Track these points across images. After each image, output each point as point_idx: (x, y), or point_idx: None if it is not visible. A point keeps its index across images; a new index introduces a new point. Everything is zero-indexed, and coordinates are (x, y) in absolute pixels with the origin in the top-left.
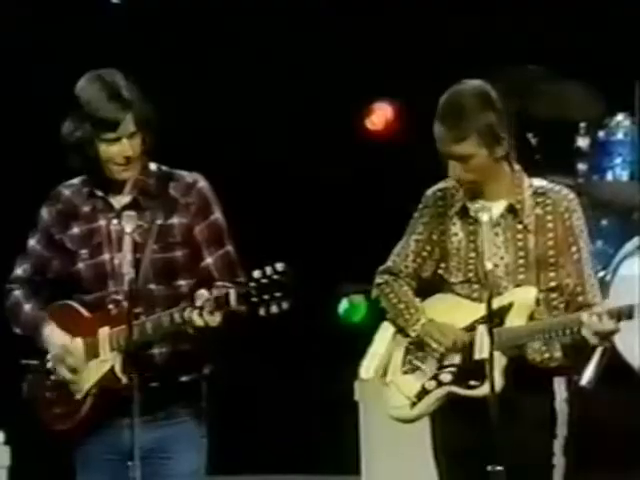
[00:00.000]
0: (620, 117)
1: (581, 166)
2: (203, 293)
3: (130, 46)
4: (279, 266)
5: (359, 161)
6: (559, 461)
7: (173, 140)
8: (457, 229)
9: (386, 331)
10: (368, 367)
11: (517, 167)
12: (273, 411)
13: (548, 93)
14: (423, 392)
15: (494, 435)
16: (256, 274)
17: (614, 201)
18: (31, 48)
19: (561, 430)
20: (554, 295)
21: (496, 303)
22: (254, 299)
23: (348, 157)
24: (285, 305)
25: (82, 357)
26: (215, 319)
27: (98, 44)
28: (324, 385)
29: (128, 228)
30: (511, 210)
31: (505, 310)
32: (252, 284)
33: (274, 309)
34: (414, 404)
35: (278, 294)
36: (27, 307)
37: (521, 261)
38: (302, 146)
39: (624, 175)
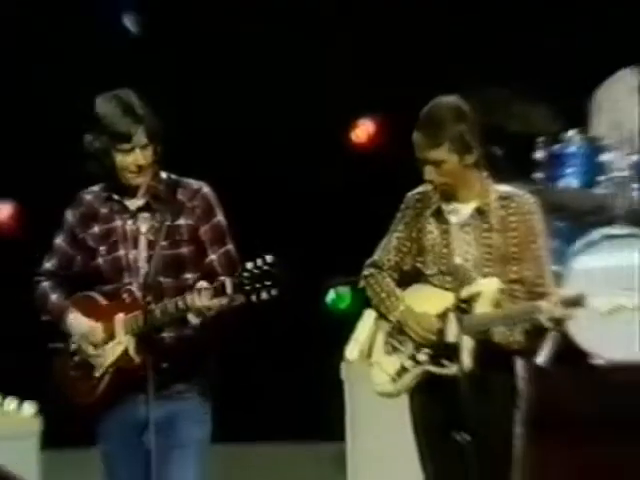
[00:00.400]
0: (572, 133)
1: (538, 175)
2: (203, 283)
3: (136, 58)
4: (268, 258)
5: (346, 168)
6: (519, 430)
7: (178, 149)
8: (432, 228)
9: (368, 318)
10: (352, 350)
11: (485, 174)
12: (269, 388)
13: (514, 112)
14: (402, 370)
15: (463, 408)
16: (249, 265)
17: (569, 206)
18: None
19: (521, 404)
20: (516, 286)
21: (465, 293)
22: (247, 287)
23: (337, 164)
24: (274, 292)
25: (101, 339)
26: (213, 305)
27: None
28: (314, 366)
29: (143, 228)
30: (479, 212)
31: (473, 299)
32: (245, 274)
33: (264, 296)
34: (394, 380)
35: (268, 282)
36: (53, 297)
37: (487, 256)
38: (296, 155)
39: (575, 183)
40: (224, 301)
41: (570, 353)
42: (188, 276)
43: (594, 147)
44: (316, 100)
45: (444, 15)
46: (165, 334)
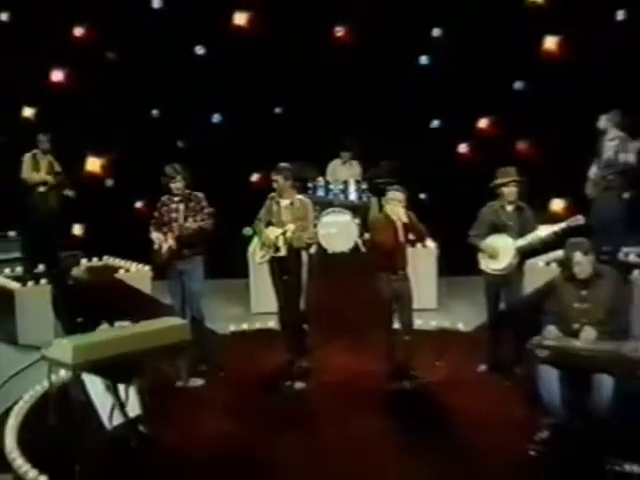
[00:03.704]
0: (320, 179)
1: (310, 192)
2: (197, 220)
3: None
4: (210, 209)
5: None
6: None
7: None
8: (275, 206)
9: (255, 239)
10: (250, 249)
11: (295, 190)
12: (221, 257)
13: (304, 171)
14: (264, 255)
15: (282, 265)
16: (205, 211)
17: (321, 202)
18: None
19: (304, 266)
20: (301, 227)
21: (285, 229)
22: (207, 219)
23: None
24: (213, 220)
25: (164, 241)
26: (194, 226)
27: None
28: (237, 254)
29: (181, 207)
30: (290, 203)
31: (286, 231)
32: (206, 214)
33: (210, 222)
34: (262, 258)
35: (212, 216)
36: (152, 228)
37: (291, 218)
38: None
39: (322, 194)
40: (200, 225)
41: (320, 248)
42: (197, 219)
43: (328, 184)
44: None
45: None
46: (183, 237)
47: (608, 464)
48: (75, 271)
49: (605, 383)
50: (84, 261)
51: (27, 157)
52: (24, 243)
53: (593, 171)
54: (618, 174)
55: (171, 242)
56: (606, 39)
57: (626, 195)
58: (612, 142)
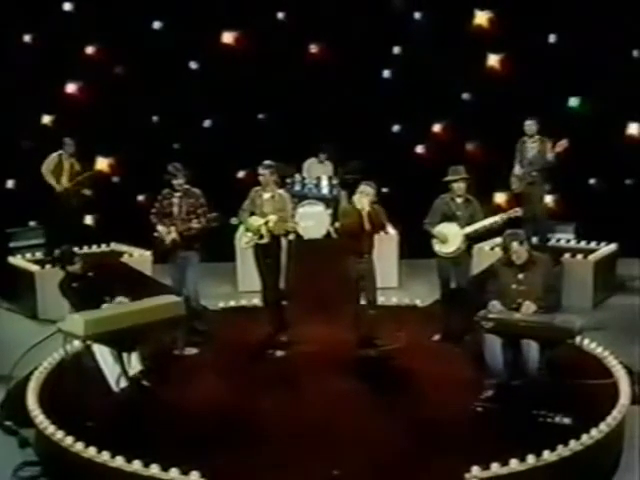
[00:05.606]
0: (297, 175)
1: (288, 187)
2: (194, 220)
3: None
4: (215, 214)
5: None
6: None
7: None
8: (259, 199)
9: (241, 228)
10: (238, 235)
11: (277, 185)
12: (217, 250)
13: (284, 169)
14: (250, 240)
15: (266, 249)
16: (208, 215)
17: (297, 195)
18: None
19: (284, 251)
20: (282, 218)
21: (267, 218)
22: (210, 221)
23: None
24: (218, 222)
25: (166, 233)
26: (198, 227)
27: None
28: (227, 241)
29: (176, 201)
30: (271, 196)
31: (268, 221)
32: (209, 218)
33: (214, 224)
34: (247, 244)
35: (216, 220)
36: (154, 219)
37: (272, 209)
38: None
39: (298, 190)
40: (204, 225)
41: (297, 235)
42: (192, 217)
43: (304, 179)
44: None
45: None
46: (185, 233)
47: (540, 416)
48: (70, 268)
49: (532, 348)
50: (82, 249)
51: (53, 156)
52: (47, 233)
53: (517, 169)
54: (540, 171)
55: (174, 235)
56: (540, 58)
57: (547, 187)
58: (534, 144)
